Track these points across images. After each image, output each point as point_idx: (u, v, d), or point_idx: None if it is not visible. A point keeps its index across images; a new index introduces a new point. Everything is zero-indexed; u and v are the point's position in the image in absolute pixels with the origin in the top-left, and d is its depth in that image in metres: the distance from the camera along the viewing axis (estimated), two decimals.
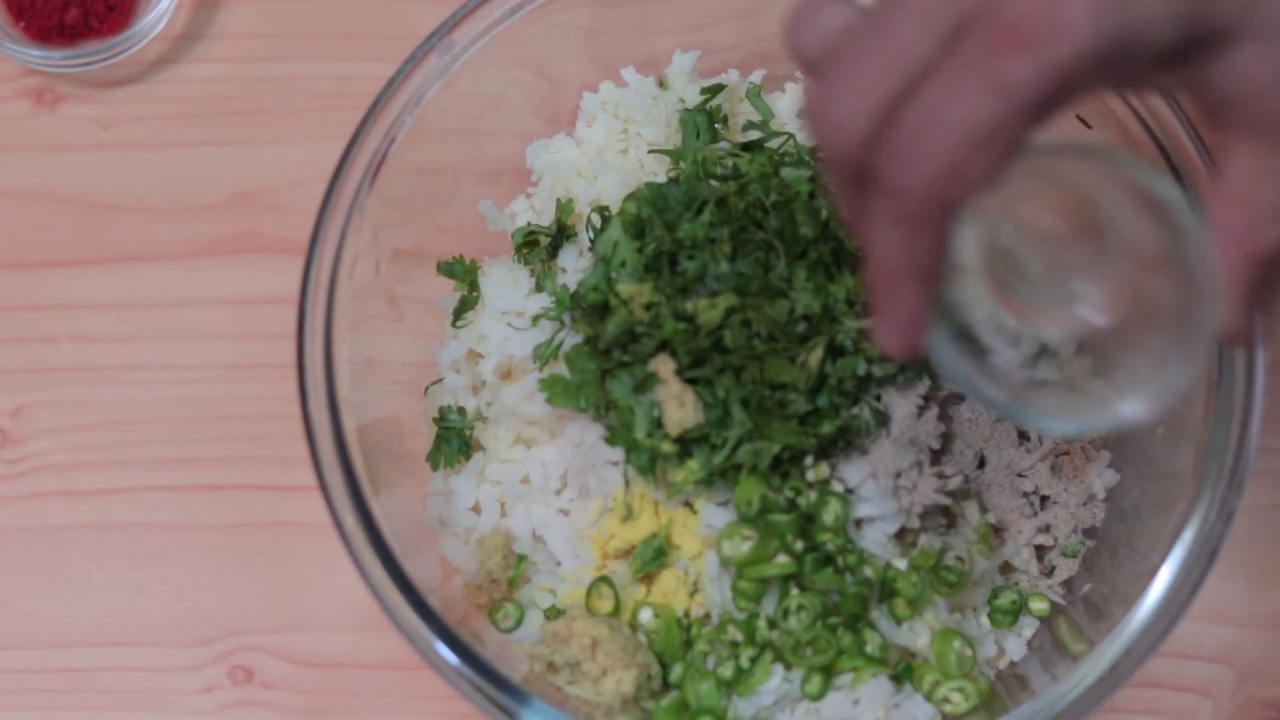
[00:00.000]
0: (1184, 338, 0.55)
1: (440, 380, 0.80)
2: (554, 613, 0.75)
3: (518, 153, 0.82)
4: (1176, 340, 0.55)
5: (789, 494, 0.72)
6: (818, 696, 0.73)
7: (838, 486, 0.73)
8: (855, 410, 0.73)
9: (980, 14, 0.50)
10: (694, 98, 0.81)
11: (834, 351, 0.72)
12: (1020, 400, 0.58)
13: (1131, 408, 0.56)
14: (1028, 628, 0.77)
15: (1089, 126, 0.77)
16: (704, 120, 0.80)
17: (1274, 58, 0.51)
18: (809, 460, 0.73)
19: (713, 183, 0.76)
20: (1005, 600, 0.76)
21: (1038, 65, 0.49)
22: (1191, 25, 0.51)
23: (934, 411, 0.74)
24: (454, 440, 0.79)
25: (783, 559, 0.71)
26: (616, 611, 0.74)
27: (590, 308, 0.74)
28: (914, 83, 0.51)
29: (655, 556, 0.73)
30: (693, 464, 0.72)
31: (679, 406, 0.71)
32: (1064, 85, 0.49)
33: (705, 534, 0.73)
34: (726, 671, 0.72)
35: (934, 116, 0.50)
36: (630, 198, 0.76)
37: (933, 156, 0.50)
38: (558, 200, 0.79)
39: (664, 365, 0.72)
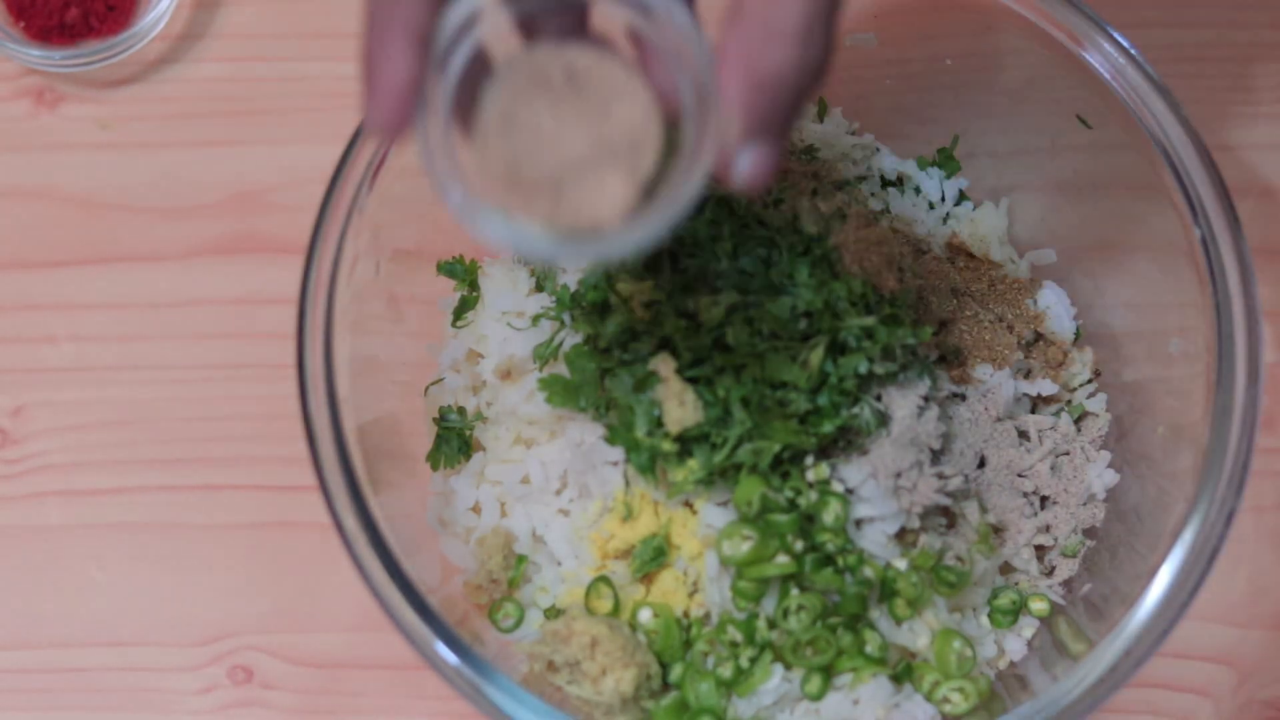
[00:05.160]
0: (693, 163, 0.53)
1: (440, 380, 0.80)
2: (554, 613, 0.75)
3: None
4: (688, 168, 0.53)
5: (789, 494, 0.72)
6: (818, 696, 0.73)
7: (838, 486, 0.73)
8: (855, 410, 0.73)
9: None
10: None
11: (835, 350, 0.72)
12: (524, 234, 0.55)
13: (644, 227, 0.54)
14: (1028, 628, 0.77)
15: (1089, 126, 0.77)
16: None
17: None
18: (809, 460, 0.73)
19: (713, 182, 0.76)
20: (1005, 600, 0.76)
21: None
22: None
23: (934, 411, 0.74)
24: (454, 440, 0.79)
25: (783, 559, 0.71)
26: (616, 611, 0.74)
27: (590, 306, 0.74)
28: None
29: (655, 556, 0.73)
30: (693, 463, 0.72)
31: (679, 405, 0.71)
32: None
33: (705, 534, 0.73)
34: (726, 671, 0.72)
35: None
36: None
37: None
38: None
39: (664, 364, 0.71)
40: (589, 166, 0.54)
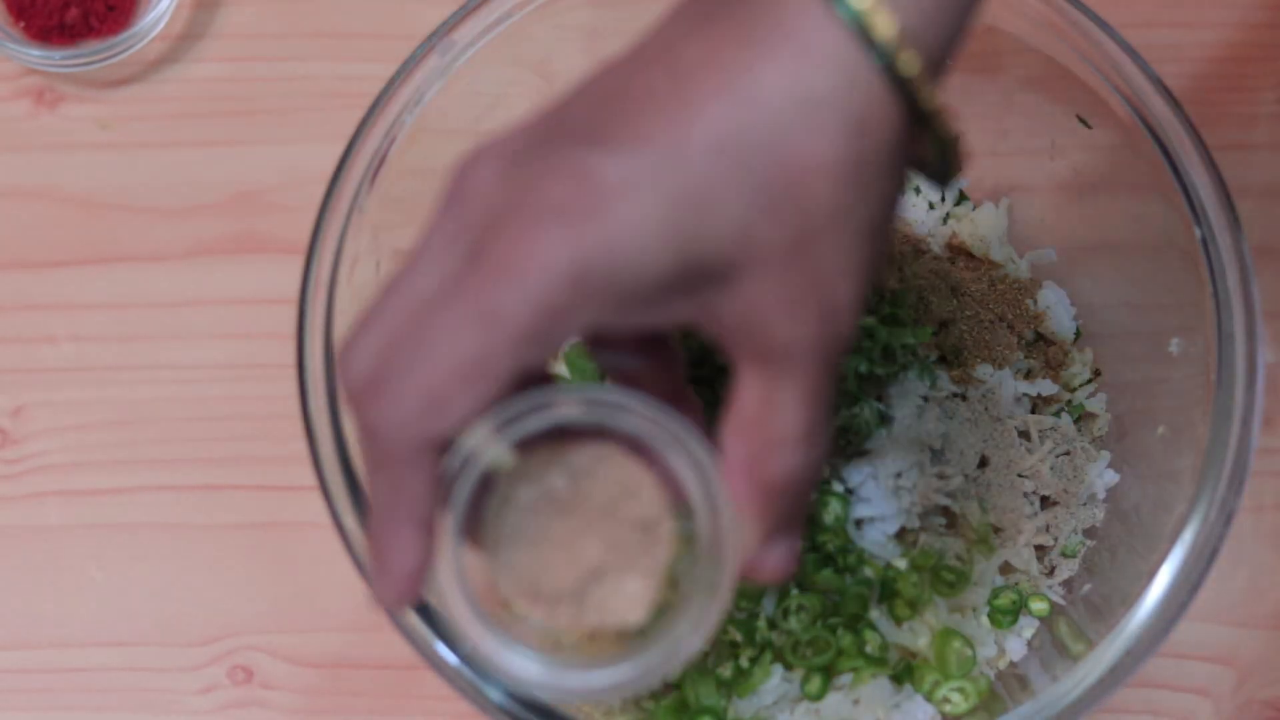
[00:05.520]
0: (714, 577, 0.53)
1: None
2: None
3: None
4: (709, 580, 0.53)
5: None
6: (818, 696, 0.73)
7: (838, 486, 0.73)
8: (856, 410, 0.73)
9: (482, 243, 0.49)
10: None
11: None
12: (555, 668, 0.54)
13: (669, 650, 0.54)
14: (1028, 628, 0.77)
15: (1089, 126, 0.77)
16: None
17: (775, 289, 0.50)
18: None
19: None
20: (1005, 600, 0.76)
21: (523, 295, 0.48)
22: (685, 258, 0.49)
23: (934, 411, 0.74)
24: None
25: None
26: None
27: None
28: (418, 319, 0.50)
29: None
30: None
31: None
32: (553, 315, 0.48)
33: None
34: (726, 671, 0.72)
35: (421, 350, 0.49)
36: None
37: (414, 390, 0.49)
38: None
39: None
40: (608, 570, 0.54)
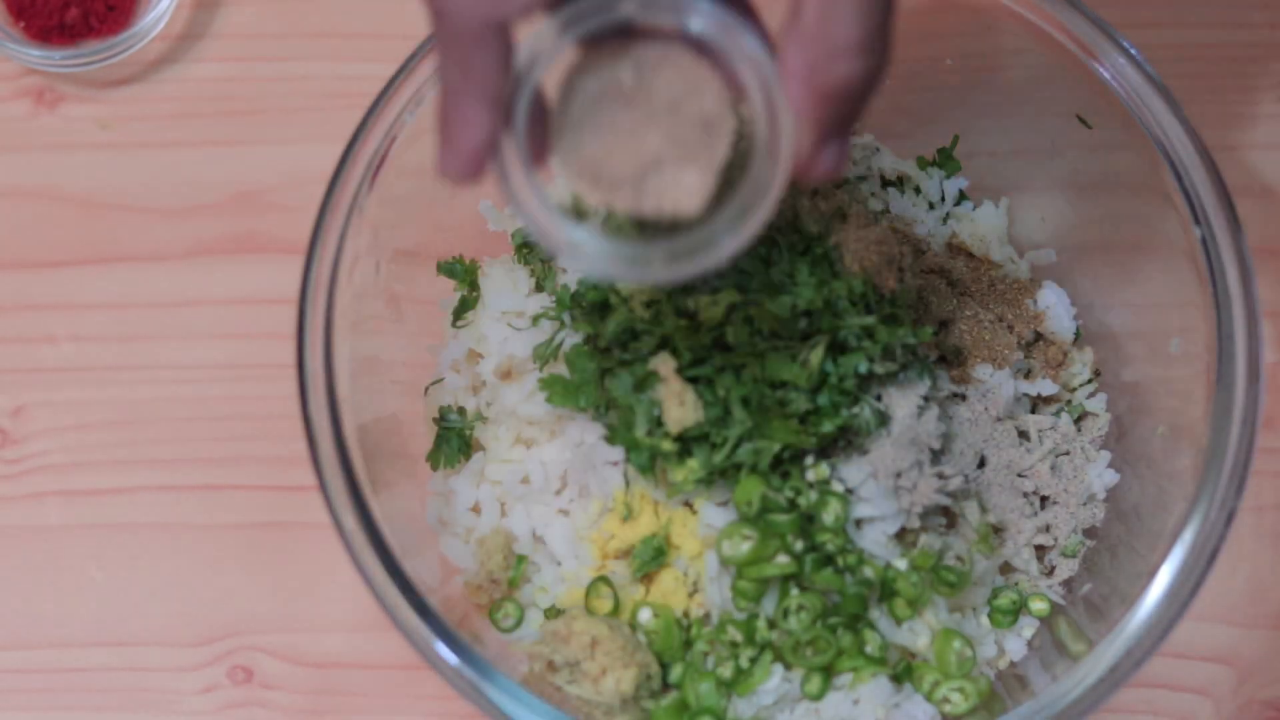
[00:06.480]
0: (768, 176, 0.56)
1: (440, 380, 0.80)
2: (554, 612, 0.75)
3: None
4: (763, 179, 0.56)
5: (789, 494, 0.72)
6: (818, 696, 0.73)
7: (838, 486, 0.73)
8: (856, 410, 0.73)
9: None
10: None
11: (835, 349, 0.72)
12: (609, 240, 0.58)
13: (728, 240, 0.57)
14: (1028, 628, 0.77)
15: (1089, 126, 0.77)
16: None
17: None
18: (809, 460, 0.73)
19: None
20: (1005, 600, 0.76)
21: None
22: None
23: (934, 411, 0.74)
24: (454, 440, 0.79)
25: (783, 559, 0.71)
26: (616, 611, 0.74)
27: (590, 306, 0.74)
28: None
29: (655, 556, 0.73)
30: (693, 463, 0.72)
31: (679, 405, 0.71)
32: None
33: (705, 534, 0.73)
34: (726, 671, 0.72)
35: None
36: None
37: None
38: None
39: (664, 363, 0.71)
40: (667, 161, 0.56)
